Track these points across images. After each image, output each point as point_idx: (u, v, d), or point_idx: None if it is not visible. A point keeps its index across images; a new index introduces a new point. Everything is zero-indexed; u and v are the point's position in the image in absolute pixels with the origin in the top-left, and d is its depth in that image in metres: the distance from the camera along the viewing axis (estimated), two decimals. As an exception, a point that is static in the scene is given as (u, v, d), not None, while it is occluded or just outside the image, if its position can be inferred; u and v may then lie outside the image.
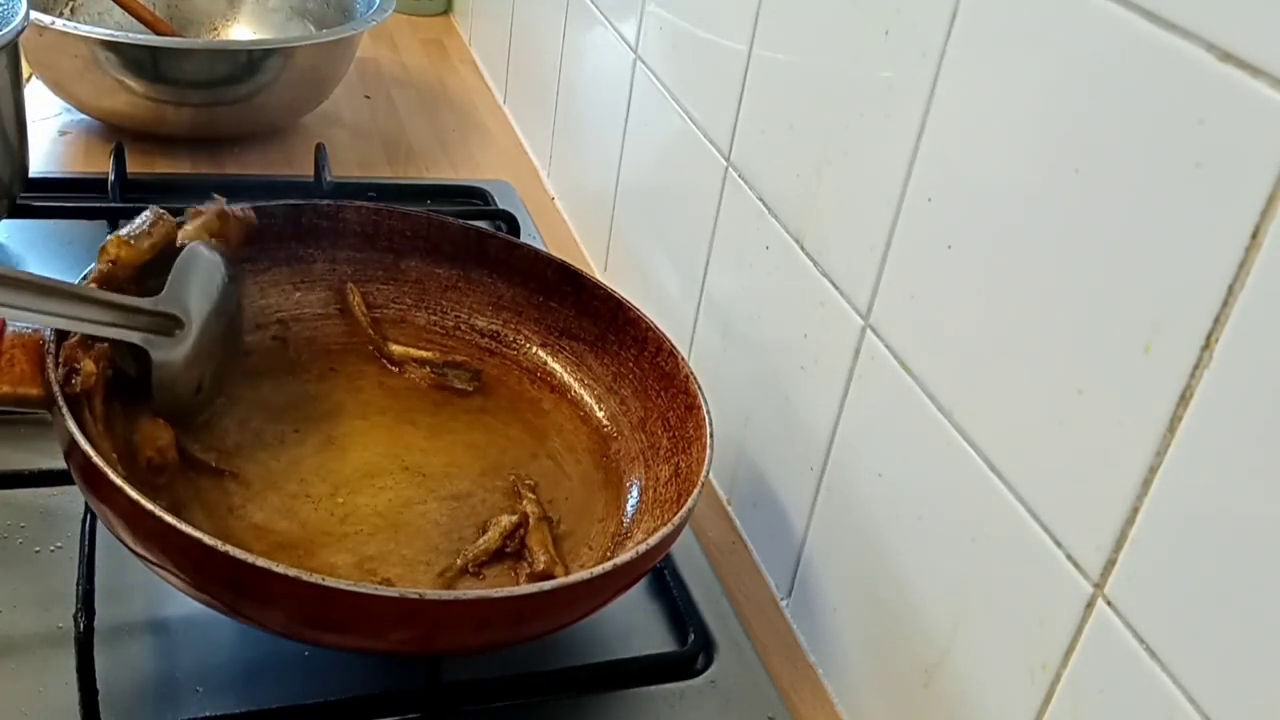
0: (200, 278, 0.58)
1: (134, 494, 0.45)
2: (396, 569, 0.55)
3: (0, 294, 0.49)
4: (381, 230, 0.70)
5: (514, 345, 0.70)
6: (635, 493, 0.61)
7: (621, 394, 0.66)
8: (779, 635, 0.63)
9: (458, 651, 0.51)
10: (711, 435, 0.58)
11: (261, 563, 0.44)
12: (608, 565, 0.49)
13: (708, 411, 0.59)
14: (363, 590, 0.45)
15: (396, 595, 0.45)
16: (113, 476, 0.46)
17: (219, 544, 0.44)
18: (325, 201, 0.69)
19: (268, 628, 0.48)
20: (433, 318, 0.71)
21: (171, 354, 0.56)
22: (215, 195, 0.62)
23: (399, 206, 0.71)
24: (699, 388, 0.60)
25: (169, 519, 0.45)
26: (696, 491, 0.54)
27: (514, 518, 0.58)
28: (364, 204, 0.70)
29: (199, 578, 0.47)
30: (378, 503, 0.59)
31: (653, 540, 0.50)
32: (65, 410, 0.49)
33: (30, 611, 0.56)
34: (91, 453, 0.47)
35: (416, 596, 0.45)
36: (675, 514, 0.53)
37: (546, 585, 0.48)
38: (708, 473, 0.56)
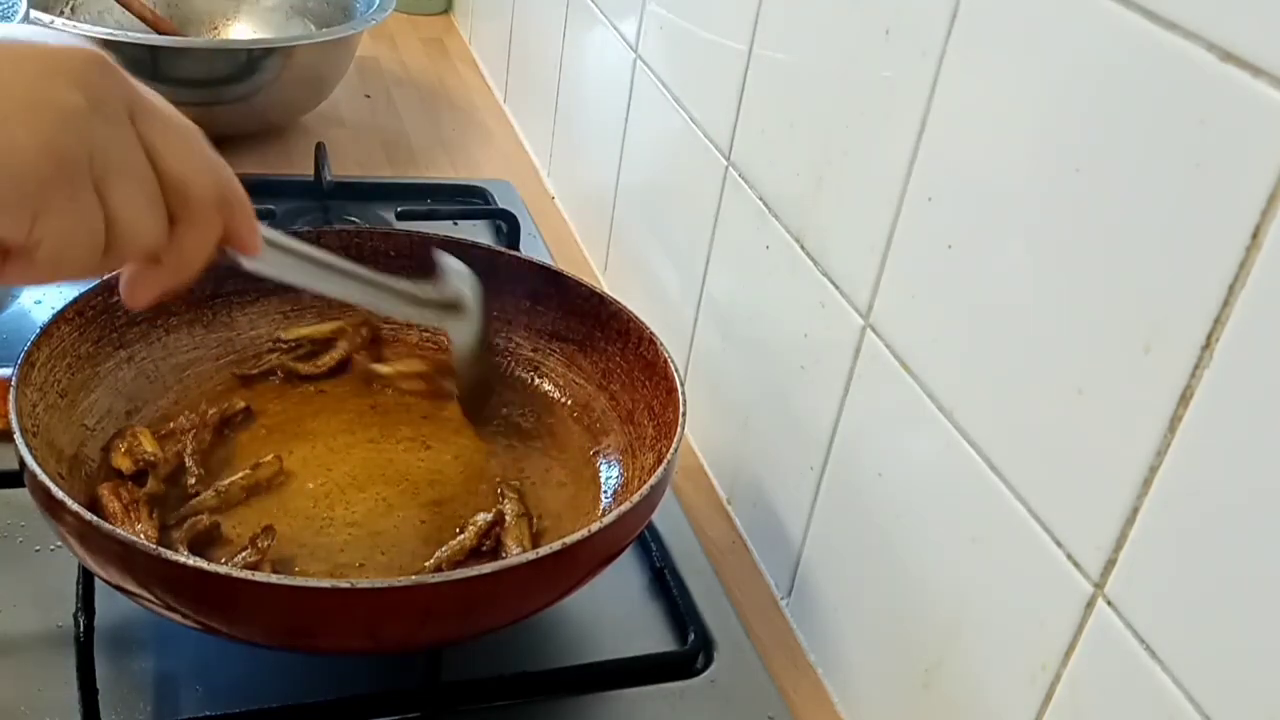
0: (458, 277, 0.64)
1: (80, 510, 0.46)
2: (370, 574, 0.55)
3: (322, 280, 0.55)
4: (365, 252, 0.69)
5: (506, 353, 0.70)
6: (619, 484, 0.61)
7: (611, 389, 0.66)
8: (779, 635, 0.63)
9: (407, 645, 0.51)
10: (684, 414, 0.57)
11: (194, 563, 0.45)
12: (556, 546, 0.48)
13: (682, 392, 0.58)
14: (290, 584, 0.45)
15: (328, 587, 0.45)
16: (60, 495, 0.47)
17: (160, 550, 0.45)
18: (305, 229, 0.69)
19: (231, 635, 0.48)
20: (425, 334, 0.71)
21: (464, 334, 0.64)
22: None
23: (379, 226, 0.70)
24: (677, 372, 0.60)
25: (119, 532, 0.45)
26: (661, 469, 0.53)
27: (489, 516, 0.58)
28: (344, 227, 0.70)
29: (161, 593, 0.47)
30: (356, 513, 0.59)
31: (606, 520, 0.50)
32: (19, 438, 0.50)
33: (30, 611, 0.56)
34: (39, 472, 0.48)
35: (348, 587, 0.45)
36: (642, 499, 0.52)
37: (486, 568, 0.47)
38: (675, 449, 0.55)
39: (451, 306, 0.63)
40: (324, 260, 0.54)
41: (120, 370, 0.61)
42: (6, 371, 0.55)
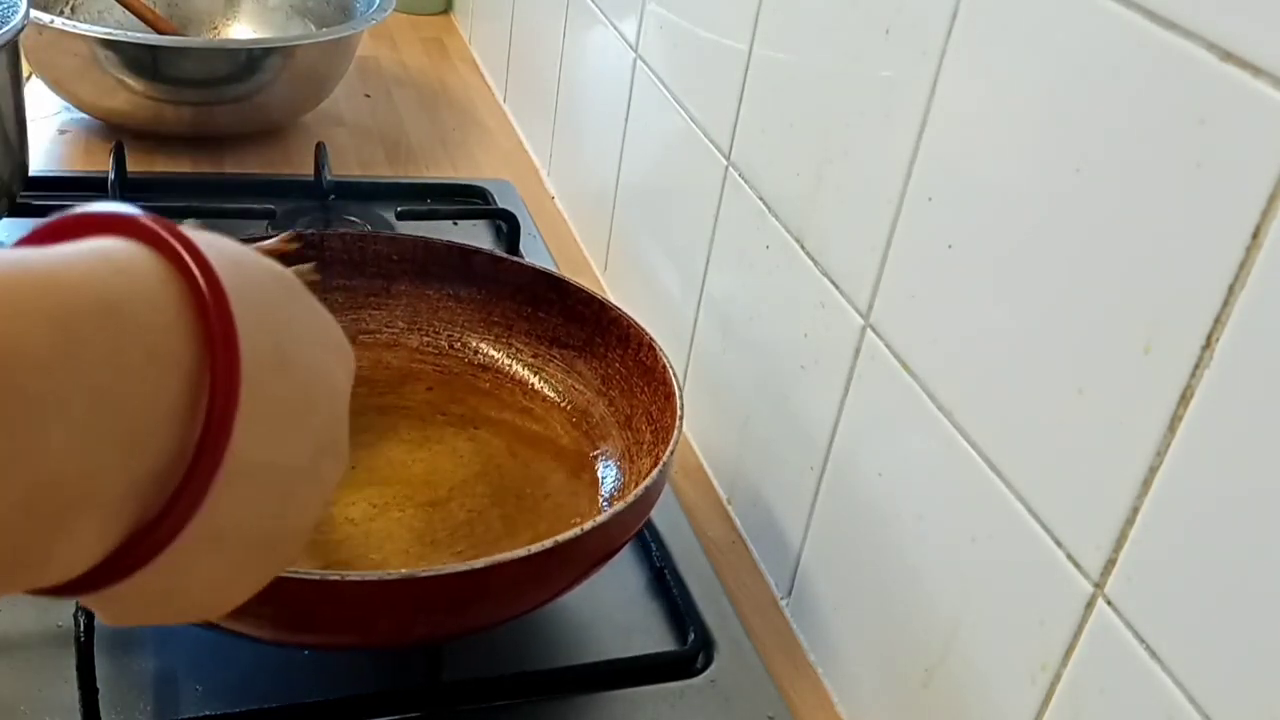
0: None
1: None
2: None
3: None
4: (369, 256, 0.70)
5: (507, 359, 0.70)
6: (616, 488, 0.61)
7: (610, 395, 0.66)
8: (779, 635, 0.63)
9: (399, 639, 0.50)
10: (681, 419, 0.57)
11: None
12: (548, 543, 0.48)
13: (680, 398, 0.58)
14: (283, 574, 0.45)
15: (317, 578, 0.45)
16: None
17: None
18: (309, 231, 0.69)
19: (228, 627, 0.48)
20: (426, 339, 0.71)
21: None
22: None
23: (384, 231, 0.70)
24: (675, 378, 0.60)
25: None
26: (655, 471, 0.53)
27: None
28: (348, 231, 0.70)
29: None
30: (351, 511, 0.59)
31: (598, 520, 0.50)
32: None
33: (30, 611, 0.56)
34: None
35: (338, 579, 0.45)
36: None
37: (478, 563, 0.47)
38: (672, 451, 0.55)
39: None
40: None
41: None
42: None
